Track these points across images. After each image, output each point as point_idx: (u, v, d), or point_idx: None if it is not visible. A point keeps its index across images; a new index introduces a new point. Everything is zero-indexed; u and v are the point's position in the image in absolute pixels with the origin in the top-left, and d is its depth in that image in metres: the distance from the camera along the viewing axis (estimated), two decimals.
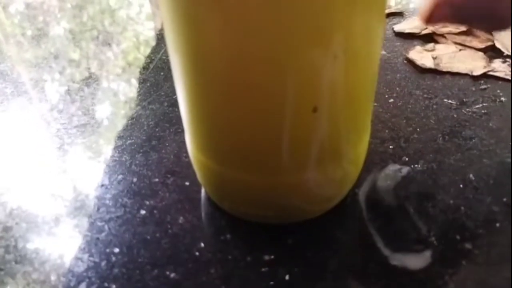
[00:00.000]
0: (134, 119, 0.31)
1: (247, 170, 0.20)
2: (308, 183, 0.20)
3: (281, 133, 0.18)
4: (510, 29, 0.20)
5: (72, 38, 0.45)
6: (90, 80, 0.37)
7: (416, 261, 0.21)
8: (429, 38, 0.39)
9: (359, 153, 0.22)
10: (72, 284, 0.20)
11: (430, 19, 0.20)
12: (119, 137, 0.30)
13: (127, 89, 0.36)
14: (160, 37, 0.44)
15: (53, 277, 0.21)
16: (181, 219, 0.23)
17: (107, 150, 0.29)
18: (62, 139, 0.30)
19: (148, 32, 0.46)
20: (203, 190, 0.25)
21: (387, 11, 0.46)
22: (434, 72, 0.35)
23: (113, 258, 0.21)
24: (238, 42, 0.16)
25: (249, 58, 0.16)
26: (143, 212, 0.24)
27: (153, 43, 0.43)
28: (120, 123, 0.31)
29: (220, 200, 0.24)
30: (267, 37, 0.16)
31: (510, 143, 0.27)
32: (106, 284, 0.20)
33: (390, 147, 0.27)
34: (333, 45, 0.16)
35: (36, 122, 0.32)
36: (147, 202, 0.24)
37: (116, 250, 0.22)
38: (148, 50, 0.41)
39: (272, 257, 0.21)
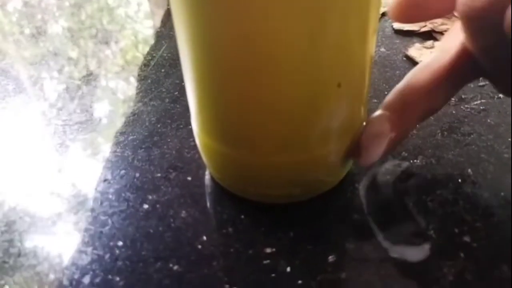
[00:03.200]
0: (136, 115, 0.31)
1: (254, 150, 0.21)
2: (324, 158, 0.22)
3: (298, 112, 0.19)
4: None
5: (70, 36, 0.46)
6: (89, 78, 0.37)
7: (415, 253, 0.21)
8: (428, 36, 0.39)
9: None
10: (76, 276, 0.21)
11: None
12: (121, 133, 0.30)
13: (126, 87, 0.36)
14: (158, 35, 0.45)
15: (57, 270, 0.21)
16: (183, 213, 0.23)
17: (110, 146, 0.29)
18: (65, 135, 0.30)
19: (146, 31, 0.46)
20: (206, 184, 0.25)
21: (386, 9, 0.46)
22: None
23: (117, 251, 0.22)
24: (253, 25, 0.16)
25: (263, 39, 0.17)
26: (146, 206, 0.24)
27: (152, 41, 0.44)
28: (122, 120, 0.31)
29: (225, 180, 0.24)
30: (285, 21, 0.16)
31: (509, 139, 0.27)
32: (110, 277, 0.20)
33: None
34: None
35: (37, 119, 0.32)
36: (150, 197, 0.24)
37: (120, 243, 0.22)
38: (147, 48, 0.42)
39: (274, 250, 0.21)
